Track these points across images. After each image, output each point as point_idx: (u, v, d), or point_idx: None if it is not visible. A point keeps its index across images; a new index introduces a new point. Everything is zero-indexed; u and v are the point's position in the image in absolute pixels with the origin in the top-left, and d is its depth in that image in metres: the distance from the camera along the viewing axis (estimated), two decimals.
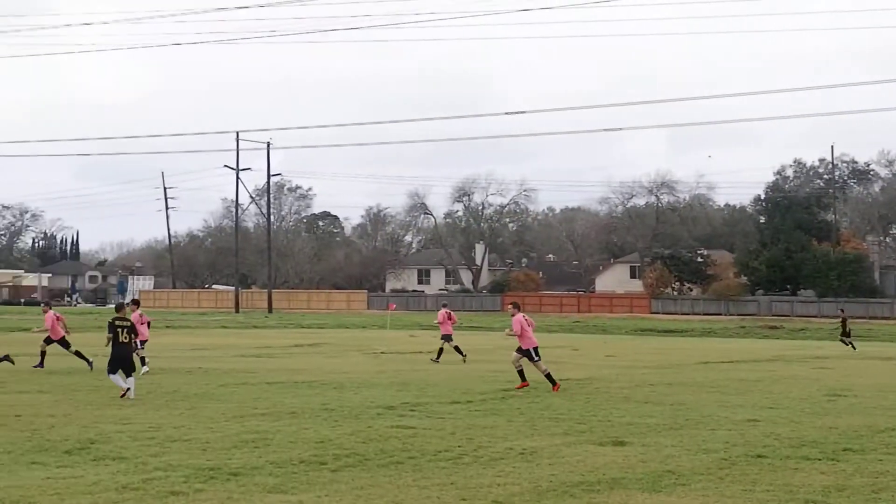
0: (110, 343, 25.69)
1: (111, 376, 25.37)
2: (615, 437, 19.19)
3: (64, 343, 35.87)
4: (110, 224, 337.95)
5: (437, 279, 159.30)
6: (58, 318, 36.65)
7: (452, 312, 43.79)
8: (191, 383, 29.47)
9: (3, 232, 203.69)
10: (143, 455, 16.46)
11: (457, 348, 41.71)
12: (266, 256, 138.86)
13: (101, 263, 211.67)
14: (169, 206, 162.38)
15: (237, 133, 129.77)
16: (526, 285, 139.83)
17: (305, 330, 77.61)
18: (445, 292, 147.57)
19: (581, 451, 17.48)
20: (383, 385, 29.65)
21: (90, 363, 34.11)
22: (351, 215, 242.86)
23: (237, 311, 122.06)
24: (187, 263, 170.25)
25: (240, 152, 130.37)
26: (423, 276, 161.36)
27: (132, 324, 26.84)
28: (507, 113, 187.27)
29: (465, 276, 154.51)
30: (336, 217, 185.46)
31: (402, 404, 24.43)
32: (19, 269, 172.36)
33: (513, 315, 29.09)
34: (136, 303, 35.07)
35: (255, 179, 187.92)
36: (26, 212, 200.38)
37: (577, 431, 19.98)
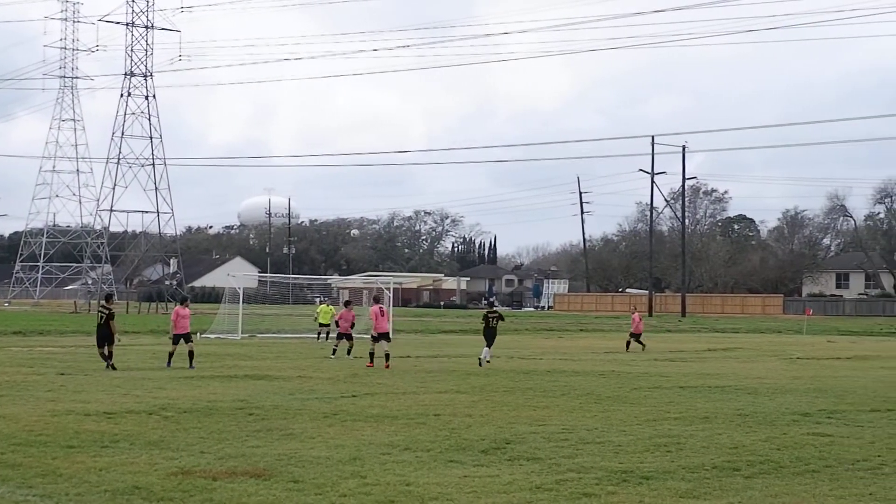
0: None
1: None
2: None
3: None
4: (527, 228, 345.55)
5: (857, 283, 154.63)
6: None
7: None
8: (604, 386, 29.68)
9: (424, 237, 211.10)
10: (556, 456, 16.71)
11: None
12: (680, 260, 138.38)
13: (518, 267, 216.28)
14: (584, 210, 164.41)
15: (652, 137, 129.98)
16: None
17: (719, 334, 76.89)
18: (865, 297, 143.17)
19: None
20: (799, 391, 29.04)
21: None
22: (767, 218, 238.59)
23: (650, 315, 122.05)
24: (601, 267, 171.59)
25: (655, 156, 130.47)
26: (842, 280, 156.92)
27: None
28: None
29: (887, 280, 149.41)
30: (751, 220, 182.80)
31: (819, 411, 23.86)
32: (439, 272, 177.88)
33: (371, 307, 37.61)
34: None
35: (669, 183, 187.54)
36: (447, 217, 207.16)
37: None
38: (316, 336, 53.63)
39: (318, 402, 24.30)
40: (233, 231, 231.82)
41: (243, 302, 59.40)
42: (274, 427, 19.70)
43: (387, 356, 35.79)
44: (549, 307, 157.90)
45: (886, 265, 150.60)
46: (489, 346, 38.20)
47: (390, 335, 38.52)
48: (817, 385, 31.18)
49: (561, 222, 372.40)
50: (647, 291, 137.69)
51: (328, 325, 51.22)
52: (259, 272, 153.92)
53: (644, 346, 49.83)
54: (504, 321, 41.16)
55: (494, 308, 41.95)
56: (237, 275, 73.39)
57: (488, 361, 37.64)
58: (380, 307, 37.30)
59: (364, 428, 19.76)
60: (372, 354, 36.34)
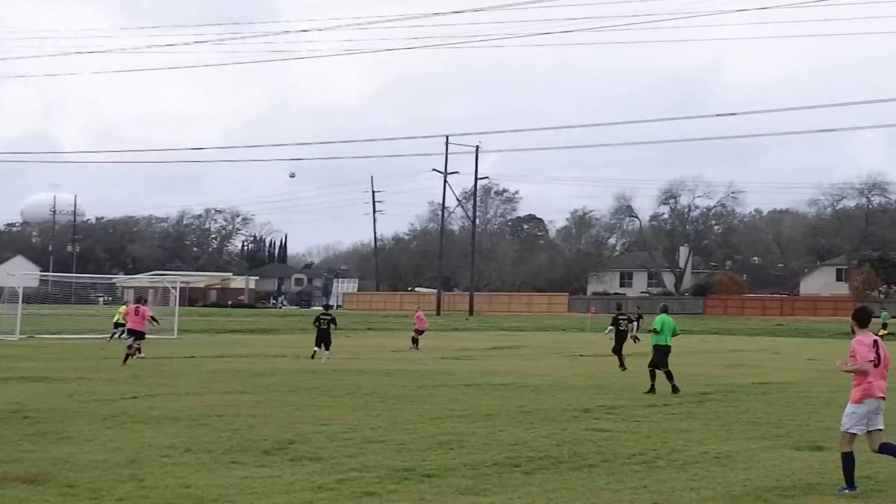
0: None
1: None
2: (813, 441, 18.90)
3: None
4: (319, 227, 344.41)
5: (640, 282, 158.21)
6: None
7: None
8: (390, 385, 29.81)
9: (214, 235, 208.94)
10: (339, 456, 16.72)
11: None
12: (469, 259, 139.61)
13: (308, 266, 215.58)
14: (376, 209, 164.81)
15: (447, 137, 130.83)
16: (729, 288, 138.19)
17: (505, 332, 77.89)
18: (647, 295, 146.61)
19: (777, 456, 17.26)
20: (580, 388, 29.62)
21: None
22: (556, 218, 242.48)
23: (438, 314, 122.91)
24: (391, 266, 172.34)
25: (449, 156, 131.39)
26: (626, 279, 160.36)
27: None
28: (716, 115, 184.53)
29: (668, 279, 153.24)
30: (540, 220, 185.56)
31: (598, 407, 24.40)
32: (228, 271, 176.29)
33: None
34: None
35: (462, 183, 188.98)
36: (237, 215, 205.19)
37: (775, 436, 19.72)
38: (110, 336, 52.55)
39: (98, 404, 23.79)
40: (14, 229, 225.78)
41: (23, 302, 57.92)
42: (49, 430, 19.22)
43: (126, 356, 36.58)
44: (338, 306, 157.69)
45: (668, 264, 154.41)
46: (324, 347, 39.99)
47: (144, 334, 39.57)
48: (598, 382, 31.87)
49: (353, 221, 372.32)
50: (436, 290, 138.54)
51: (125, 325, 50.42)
52: (41, 271, 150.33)
53: (414, 344, 50.66)
54: (336, 325, 41.58)
55: (328, 311, 42.68)
56: (16, 273, 71.56)
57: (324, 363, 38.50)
58: (136, 306, 38.94)
59: (144, 430, 19.45)
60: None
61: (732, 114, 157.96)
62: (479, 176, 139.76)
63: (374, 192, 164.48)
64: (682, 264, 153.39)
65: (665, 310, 30.67)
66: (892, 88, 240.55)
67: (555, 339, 65.81)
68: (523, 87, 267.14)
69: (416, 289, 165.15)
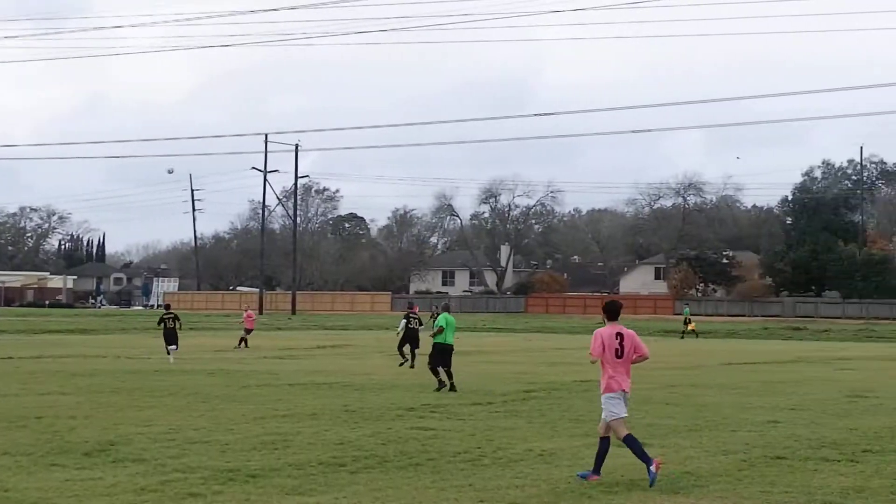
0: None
1: None
2: None
3: None
4: (138, 226, 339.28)
5: (462, 281, 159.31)
6: None
7: None
8: (213, 385, 29.53)
9: (29, 234, 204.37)
10: (162, 457, 16.52)
11: None
12: (291, 258, 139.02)
13: (127, 265, 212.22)
14: (196, 208, 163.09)
15: (266, 135, 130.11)
16: (550, 286, 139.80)
17: (329, 331, 77.72)
18: (469, 294, 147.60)
19: None
20: (404, 387, 29.69)
21: None
22: (378, 217, 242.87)
23: (261, 313, 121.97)
24: (212, 265, 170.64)
25: (269, 154, 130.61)
26: (448, 278, 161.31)
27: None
28: (535, 115, 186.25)
29: (490, 278, 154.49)
30: (362, 219, 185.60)
31: (423, 406, 24.47)
32: (45, 271, 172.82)
33: None
34: None
35: (283, 181, 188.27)
36: (53, 214, 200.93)
37: (597, 433, 19.95)
38: None
39: None
40: None
41: None
42: None
43: None
44: (158, 306, 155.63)
45: (490, 263, 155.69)
46: (174, 345, 40.28)
47: None
48: (422, 381, 31.87)
49: (173, 220, 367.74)
50: (258, 289, 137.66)
51: None
52: None
53: (241, 343, 50.45)
54: (180, 322, 41.44)
55: (170, 310, 42.37)
56: None
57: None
58: None
59: None
60: None
61: (551, 113, 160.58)
62: (299, 175, 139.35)
63: (193, 190, 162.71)
64: (503, 263, 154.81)
65: (447, 308, 30.72)
66: (708, 90, 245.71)
67: (378, 337, 65.75)
68: (344, 86, 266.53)
69: (238, 288, 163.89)
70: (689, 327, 74.49)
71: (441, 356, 29.20)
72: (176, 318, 40.71)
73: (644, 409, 23.99)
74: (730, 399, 27.00)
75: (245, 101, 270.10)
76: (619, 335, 15.02)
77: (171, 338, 40.29)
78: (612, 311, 15.36)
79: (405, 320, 40.24)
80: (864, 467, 16.33)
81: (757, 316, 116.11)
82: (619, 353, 14.98)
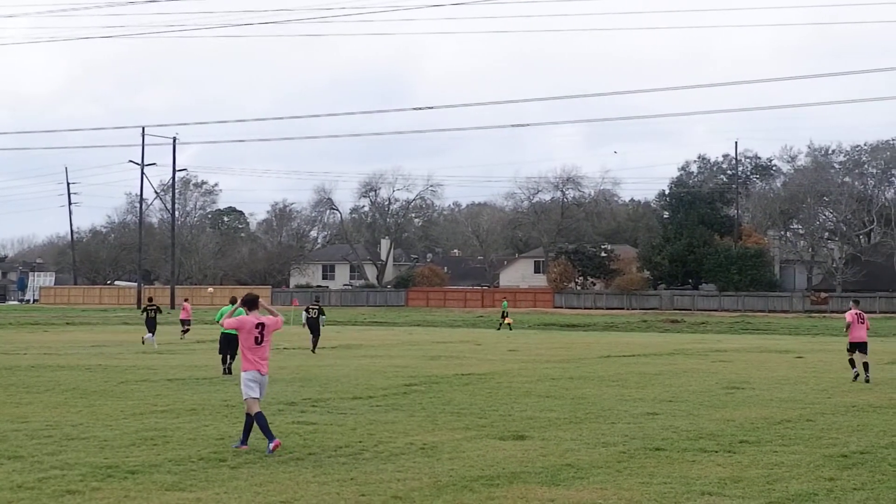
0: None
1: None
2: (515, 431, 19.29)
3: None
4: (12, 220, 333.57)
5: (342, 275, 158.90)
6: None
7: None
8: (90, 380, 29.18)
9: None
10: (39, 454, 16.28)
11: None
12: (170, 252, 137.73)
13: (2, 260, 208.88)
14: (72, 201, 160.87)
15: (143, 128, 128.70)
16: (431, 280, 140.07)
17: (207, 326, 77.06)
18: (350, 287, 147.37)
19: (481, 446, 17.55)
20: (285, 381, 29.54)
21: None
22: (257, 211, 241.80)
23: (139, 308, 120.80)
24: (89, 259, 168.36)
25: (147, 147, 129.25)
26: (328, 272, 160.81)
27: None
28: (414, 108, 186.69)
29: (370, 272, 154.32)
30: (241, 213, 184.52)
31: (304, 400, 24.41)
32: None
33: None
34: None
35: (161, 175, 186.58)
36: None
37: (478, 426, 20.05)
38: None
39: None
40: None
41: None
42: None
43: None
44: (34, 300, 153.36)
45: (371, 257, 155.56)
46: (152, 333, 47.04)
47: None
48: (303, 374, 31.88)
49: (48, 213, 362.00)
50: (136, 284, 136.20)
51: None
52: None
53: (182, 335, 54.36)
54: (161, 312, 45.74)
55: (153, 303, 48.97)
56: None
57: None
58: None
59: None
60: None
61: (430, 107, 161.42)
62: (177, 168, 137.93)
63: (69, 183, 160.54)
64: (383, 257, 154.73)
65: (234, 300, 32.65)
66: (587, 84, 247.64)
67: None
68: (222, 79, 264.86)
69: (116, 282, 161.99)
70: (506, 321, 75.94)
71: (228, 344, 32.18)
72: (158, 309, 47.68)
73: (524, 402, 24.18)
74: (609, 391, 27.26)
75: (123, 94, 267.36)
76: (259, 325, 17.36)
77: (151, 326, 47.05)
78: (250, 303, 17.67)
79: (306, 312, 44.88)
80: (741, 458, 16.59)
81: (635, 309, 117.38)
82: (259, 341, 17.39)
